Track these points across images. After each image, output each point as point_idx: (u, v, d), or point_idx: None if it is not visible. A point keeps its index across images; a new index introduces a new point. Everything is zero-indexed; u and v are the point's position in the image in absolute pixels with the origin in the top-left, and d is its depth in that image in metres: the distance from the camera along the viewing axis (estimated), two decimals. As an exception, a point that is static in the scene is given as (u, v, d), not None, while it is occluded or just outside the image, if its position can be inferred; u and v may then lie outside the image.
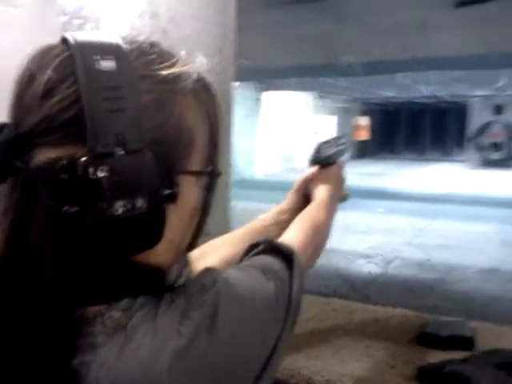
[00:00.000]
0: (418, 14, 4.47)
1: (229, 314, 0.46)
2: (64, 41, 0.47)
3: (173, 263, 0.51)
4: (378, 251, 5.35)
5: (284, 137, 13.50)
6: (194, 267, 0.59)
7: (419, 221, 6.93)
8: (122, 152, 0.43)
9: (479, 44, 5.53)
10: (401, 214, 7.35)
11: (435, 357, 1.23)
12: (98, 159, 0.42)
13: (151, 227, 0.45)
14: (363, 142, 14.80)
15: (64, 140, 0.43)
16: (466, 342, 1.30)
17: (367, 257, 5.12)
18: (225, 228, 1.89)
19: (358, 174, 11.07)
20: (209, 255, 0.81)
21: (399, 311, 1.53)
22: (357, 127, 13.57)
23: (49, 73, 0.44)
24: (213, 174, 0.53)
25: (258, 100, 12.05)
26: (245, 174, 10.52)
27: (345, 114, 15.79)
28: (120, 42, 0.46)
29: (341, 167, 0.96)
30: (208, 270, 0.50)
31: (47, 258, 0.44)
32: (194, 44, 1.86)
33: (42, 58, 0.46)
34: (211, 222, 0.56)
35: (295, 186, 0.94)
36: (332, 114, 15.41)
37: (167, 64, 0.48)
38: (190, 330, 0.43)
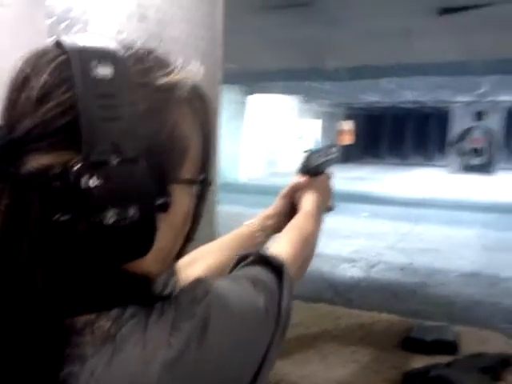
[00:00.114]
0: (403, 20, 4.53)
1: (219, 327, 0.46)
2: (59, 44, 0.46)
3: (161, 272, 0.51)
4: (362, 255, 5.39)
5: (268, 141, 13.53)
6: (181, 276, 0.59)
7: (402, 225, 7.00)
8: (117, 160, 0.42)
9: (462, 51, 5.63)
10: (384, 219, 7.42)
11: (420, 361, 1.25)
12: (92, 167, 0.41)
13: (142, 236, 0.44)
14: (347, 147, 14.89)
15: (58, 146, 0.43)
16: (450, 347, 1.31)
17: (351, 261, 5.16)
18: (211, 232, 1.89)
19: (342, 178, 11.14)
20: (196, 263, 0.81)
21: (384, 316, 1.55)
22: (341, 132, 13.66)
23: (44, 77, 0.44)
24: (204, 182, 0.53)
25: (243, 103, 12.05)
26: (229, 177, 10.51)
27: (329, 119, 15.90)
28: (117, 47, 0.46)
29: (329, 177, 0.97)
30: (199, 281, 0.50)
31: (37, 266, 0.43)
32: (183, 47, 1.86)
33: (37, 61, 0.46)
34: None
35: (282, 192, 0.94)
36: (317, 118, 15.50)
37: (164, 72, 0.48)
38: (180, 341, 0.43)
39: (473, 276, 4.73)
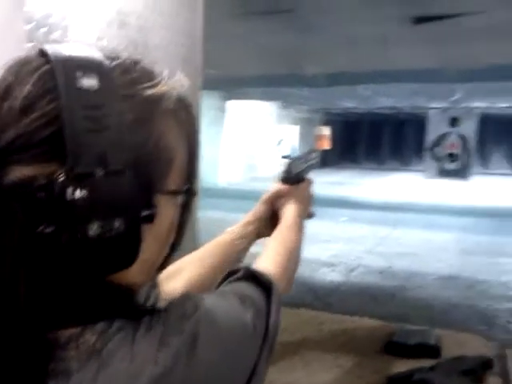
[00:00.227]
0: (379, 28, 4.60)
1: (208, 343, 0.46)
2: (42, 53, 0.45)
3: (144, 283, 0.51)
4: (341, 259, 5.43)
5: (247, 146, 13.55)
6: (163, 287, 0.59)
7: (380, 229, 7.08)
8: (102, 172, 0.42)
9: (436, 59, 5.75)
10: (362, 223, 7.49)
11: (403, 366, 1.26)
12: (77, 179, 0.41)
13: (127, 248, 0.44)
14: (324, 152, 15.03)
15: (42, 157, 0.42)
16: (433, 350, 1.34)
17: (330, 265, 5.19)
18: (192, 238, 1.88)
19: (320, 183, 11.16)
20: (179, 275, 0.81)
21: (366, 321, 1.57)
22: (319, 137, 13.78)
23: (28, 87, 0.43)
24: (189, 192, 0.53)
25: (222, 109, 12.05)
26: (208, 182, 10.49)
27: (307, 124, 16.01)
28: (102, 57, 0.46)
29: (310, 184, 0.97)
30: (189, 296, 0.49)
31: (20, 279, 0.42)
32: (163, 54, 1.86)
33: (20, 70, 0.45)
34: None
35: (263, 198, 0.94)
36: (295, 123, 15.59)
37: (150, 84, 0.47)
38: (168, 357, 0.43)
39: (450, 279, 4.81)
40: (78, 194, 0.41)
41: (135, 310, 0.47)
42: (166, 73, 0.50)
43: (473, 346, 1.39)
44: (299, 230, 0.87)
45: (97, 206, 0.41)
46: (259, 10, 4.09)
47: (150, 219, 0.46)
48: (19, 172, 0.42)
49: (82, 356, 0.42)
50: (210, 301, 0.51)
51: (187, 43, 1.97)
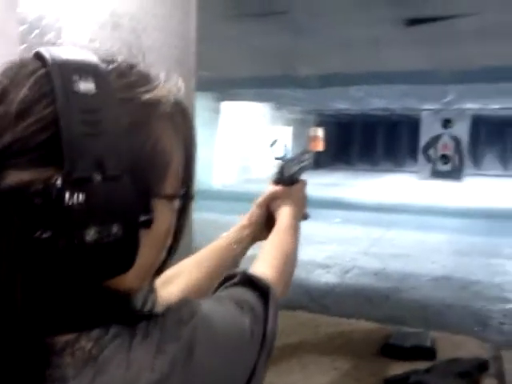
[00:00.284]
0: (372, 30, 4.62)
1: (205, 349, 0.46)
2: (39, 56, 0.45)
3: (141, 287, 0.51)
4: (336, 261, 5.44)
5: (241, 147, 13.55)
6: (160, 292, 0.59)
7: (374, 230, 7.10)
8: (100, 177, 0.41)
9: (428, 60, 5.78)
10: (356, 224, 7.51)
11: (399, 368, 1.26)
12: (74, 184, 0.40)
13: (125, 254, 0.44)
14: (318, 153, 15.05)
15: (38, 162, 0.41)
16: (428, 353, 1.33)
17: (325, 267, 5.20)
18: (187, 240, 1.88)
19: (313, 184, 11.20)
20: (175, 280, 0.81)
21: (363, 323, 1.56)
22: (313, 138, 13.81)
23: (24, 91, 0.42)
24: (186, 196, 0.52)
25: (216, 110, 12.05)
26: (203, 184, 10.48)
27: (300, 126, 16.04)
28: (99, 61, 0.45)
29: (304, 185, 0.97)
30: (186, 302, 0.49)
31: (17, 284, 0.42)
32: (157, 55, 1.85)
33: (16, 73, 0.44)
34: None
35: (258, 202, 0.94)
36: (288, 125, 15.61)
37: (147, 88, 0.47)
38: (164, 364, 0.43)
39: (444, 280, 4.84)
40: (76, 199, 0.40)
41: (132, 316, 0.46)
42: (162, 76, 0.50)
43: (468, 347, 1.39)
44: (295, 232, 0.87)
45: (94, 212, 0.41)
46: (252, 12, 4.10)
47: (148, 224, 0.45)
48: (16, 177, 0.41)
49: (78, 363, 0.42)
50: (207, 306, 0.51)
51: (180, 45, 1.97)
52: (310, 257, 5.15)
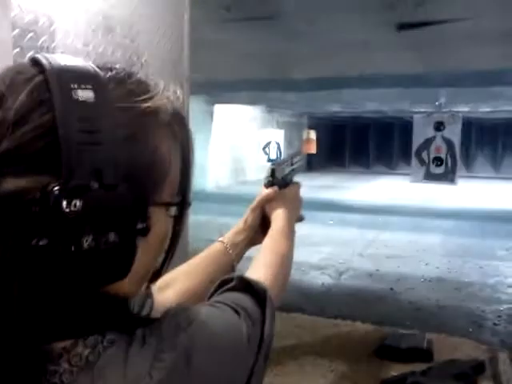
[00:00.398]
0: (363, 34, 4.64)
1: (203, 357, 0.46)
2: (36, 62, 0.44)
3: (136, 293, 0.50)
4: (330, 262, 5.45)
5: (234, 149, 13.56)
6: (156, 298, 0.59)
7: (368, 232, 7.11)
8: (97, 185, 0.41)
9: (420, 64, 5.82)
10: (350, 226, 7.53)
11: (396, 369, 1.26)
12: (71, 192, 0.40)
13: (121, 261, 0.44)
14: (311, 156, 15.09)
15: (35, 169, 0.41)
16: (425, 354, 1.34)
17: (320, 268, 5.20)
18: (183, 242, 1.87)
19: (307, 186, 11.23)
20: (172, 285, 0.81)
21: (359, 325, 1.57)
22: (306, 141, 13.83)
23: (21, 98, 0.42)
24: (183, 203, 0.52)
25: (208, 113, 12.06)
26: (197, 186, 10.46)
27: (292, 128, 16.07)
28: (97, 69, 0.45)
29: (298, 187, 0.96)
30: (183, 309, 0.49)
31: (14, 291, 0.41)
32: (150, 59, 1.85)
33: (12, 79, 0.44)
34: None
35: (251, 206, 0.94)
36: (280, 127, 15.64)
37: (146, 96, 0.47)
38: (162, 372, 0.43)
39: (438, 281, 4.85)
40: (73, 206, 0.40)
41: (129, 322, 0.46)
42: (161, 85, 0.50)
43: (464, 349, 1.39)
44: (290, 234, 0.87)
45: (91, 219, 0.41)
46: (245, 16, 4.11)
47: (145, 232, 0.45)
48: (13, 184, 0.41)
49: (74, 369, 0.42)
50: (205, 312, 0.51)
51: (174, 49, 1.97)
52: (304, 258, 5.15)
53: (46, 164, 0.41)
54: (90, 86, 0.43)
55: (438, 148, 7.35)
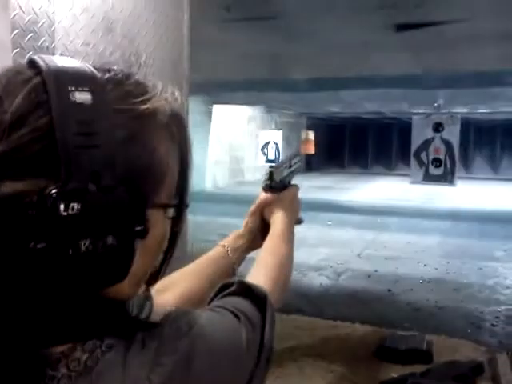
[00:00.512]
0: (362, 35, 4.64)
1: (203, 362, 0.46)
2: (33, 64, 0.44)
3: (134, 295, 0.50)
4: (329, 263, 5.45)
5: (233, 150, 13.56)
6: (155, 300, 0.58)
7: (367, 233, 7.12)
8: (96, 188, 0.41)
9: (419, 65, 5.82)
10: (349, 227, 7.53)
11: (395, 371, 1.26)
12: (69, 195, 0.40)
13: (120, 263, 0.44)
14: (310, 156, 15.10)
15: (32, 172, 0.41)
16: (424, 356, 1.34)
17: (318, 269, 5.20)
18: (182, 243, 1.87)
19: (306, 187, 11.25)
20: (171, 288, 0.81)
21: (358, 326, 1.57)
22: (305, 141, 13.84)
23: (18, 100, 0.42)
24: (181, 205, 0.52)
25: (207, 113, 12.05)
26: (195, 186, 10.46)
27: (290, 129, 16.07)
28: (95, 70, 0.45)
29: (296, 189, 0.96)
30: (183, 313, 0.49)
31: (11, 294, 0.41)
32: (149, 60, 1.85)
33: (9, 81, 0.44)
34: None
35: (250, 210, 0.94)
36: (278, 128, 15.64)
37: (144, 98, 0.47)
38: (161, 377, 0.42)
39: (436, 282, 4.86)
40: (71, 209, 0.40)
41: (128, 326, 0.46)
42: (159, 86, 0.50)
43: (464, 350, 1.40)
44: (289, 237, 0.87)
45: (89, 222, 0.41)
46: (244, 16, 4.11)
47: (143, 234, 0.45)
48: (10, 187, 0.40)
49: (73, 374, 0.42)
50: (205, 317, 0.51)
51: (173, 49, 1.97)
52: (303, 259, 5.15)
53: (43, 167, 0.41)
54: (87, 88, 0.42)
55: (437, 149, 7.36)
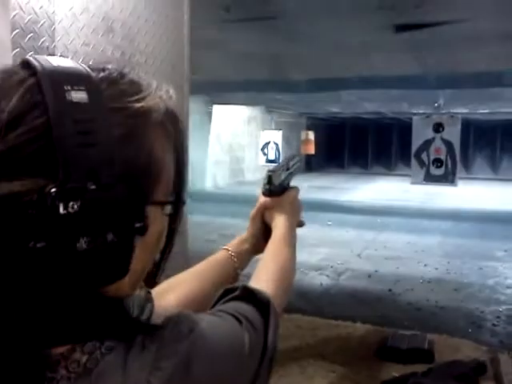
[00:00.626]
0: (362, 35, 4.64)
1: (203, 365, 0.46)
2: (27, 65, 0.44)
3: (132, 292, 0.50)
4: (329, 263, 5.44)
5: (233, 150, 13.57)
6: (157, 302, 0.58)
7: (367, 233, 7.11)
8: (94, 186, 0.41)
9: (417, 66, 5.82)
10: (349, 227, 7.52)
11: (397, 370, 1.26)
12: (68, 194, 0.40)
13: (119, 261, 0.44)
14: (309, 157, 15.10)
15: (30, 172, 0.41)
16: (426, 355, 1.34)
17: (319, 269, 5.20)
18: (183, 243, 1.87)
19: (306, 187, 11.25)
20: (174, 290, 0.80)
21: (359, 326, 1.57)
22: (305, 142, 13.85)
23: (14, 101, 0.42)
24: (178, 202, 0.52)
25: (207, 113, 12.06)
26: (196, 186, 10.46)
27: (291, 129, 16.07)
28: (89, 70, 0.45)
29: (296, 192, 0.95)
30: (184, 316, 0.49)
31: (11, 294, 0.41)
32: (150, 60, 1.85)
33: (3, 82, 0.44)
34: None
35: (251, 214, 0.93)
36: (278, 128, 15.64)
37: (139, 96, 0.47)
38: (160, 380, 0.42)
39: (437, 282, 4.85)
40: (70, 208, 0.40)
41: (128, 327, 0.46)
42: (154, 84, 0.50)
43: (466, 350, 1.39)
44: (291, 241, 0.86)
45: (88, 221, 0.41)
46: (244, 17, 4.11)
47: (142, 231, 0.45)
48: (7, 187, 0.40)
49: (72, 376, 0.41)
50: (207, 321, 0.50)
51: (173, 50, 1.97)
52: (303, 259, 5.15)
53: (41, 166, 0.41)
54: (83, 87, 0.43)
55: (438, 149, 7.35)
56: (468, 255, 5.90)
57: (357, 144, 18.58)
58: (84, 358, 0.42)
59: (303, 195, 0.98)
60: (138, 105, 0.46)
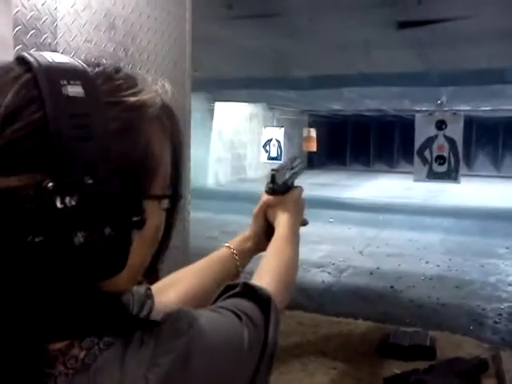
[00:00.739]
0: (363, 33, 4.63)
1: (201, 361, 0.45)
2: (23, 61, 0.44)
3: (131, 287, 0.50)
4: (331, 260, 5.45)
5: (234, 147, 13.57)
6: (158, 298, 0.58)
7: (369, 230, 7.11)
8: (91, 181, 0.41)
9: (419, 63, 5.81)
10: (351, 224, 7.52)
11: (398, 367, 1.26)
12: (65, 188, 0.40)
13: (117, 255, 0.44)
14: (312, 154, 15.09)
15: (27, 167, 0.41)
16: (428, 352, 1.34)
17: (320, 266, 5.21)
18: (184, 240, 1.88)
19: (308, 184, 11.21)
20: (174, 286, 0.80)
21: (361, 323, 1.57)
22: (307, 139, 13.85)
23: (10, 96, 0.42)
24: (175, 196, 0.53)
25: (209, 110, 12.06)
26: (197, 183, 10.47)
27: (292, 126, 16.06)
28: (85, 65, 0.45)
29: (300, 191, 0.95)
30: (183, 312, 0.49)
31: (9, 290, 0.41)
32: (152, 57, 1.85)
33: (0, 78, 0.44)
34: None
35: (254, 214, 0.93)
36: (280, 125, 15.63)
37: (134, 90, 0.47)
38: (159, 376, 0.42)
39: (438, 279, 4.85)
40: (67, 202, 0.40)
41: (126, 323, 0.46)
42: (149, 79, 0.50)
43: (467, 347, 1.39)
44: (293, 240, 0.86)
45: (86, 215, 0.41)
46: (246, 14, 4.10)
47: (140, 225, 0.46)
48: (5, 182, 0.41)
49: (70, 371, 0.41)
50: (206, 316, 0.50)
51: (175, 46, 1.97)
52: (305, 256, 5.15)
53: (38, 161, 0.41)
54: (78, 82, 0.43)
55: (441, 146, 7.33)
56: (470, 252, 5.89)
57: (359, 141, 18.55)
58: (82, 354, 0.42)
59: (305, 192, 0.98)
60: (134, 99, 0.46)
